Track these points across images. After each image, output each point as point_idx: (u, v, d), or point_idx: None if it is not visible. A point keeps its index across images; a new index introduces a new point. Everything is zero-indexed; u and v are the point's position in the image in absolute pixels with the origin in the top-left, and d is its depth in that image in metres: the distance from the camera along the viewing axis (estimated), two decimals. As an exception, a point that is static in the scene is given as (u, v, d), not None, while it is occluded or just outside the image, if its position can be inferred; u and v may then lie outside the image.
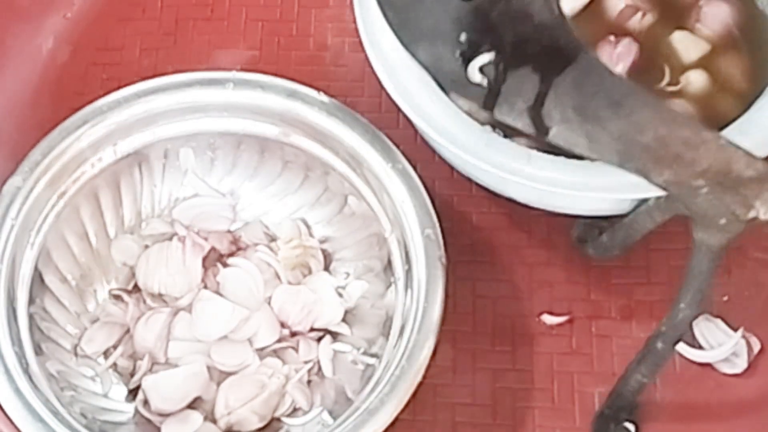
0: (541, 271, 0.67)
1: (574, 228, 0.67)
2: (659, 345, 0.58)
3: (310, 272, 0.66)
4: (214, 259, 0.66)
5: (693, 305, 0.56)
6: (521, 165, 0.57)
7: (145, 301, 0.64)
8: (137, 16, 0.76)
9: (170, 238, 0.66)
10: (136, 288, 0.65)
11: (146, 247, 0.66)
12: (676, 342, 0.58)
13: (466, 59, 0.58)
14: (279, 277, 0.65)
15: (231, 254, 0.66)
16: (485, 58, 0.58)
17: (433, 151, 0.63)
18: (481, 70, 0.58)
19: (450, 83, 0.59)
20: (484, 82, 0.58)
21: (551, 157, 0.57)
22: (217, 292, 0.64)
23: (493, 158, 0.57)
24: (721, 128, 0.57)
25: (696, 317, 0.58)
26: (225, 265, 0.65)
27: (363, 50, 0.60)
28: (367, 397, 0.56)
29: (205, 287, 0.64)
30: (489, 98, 0.57)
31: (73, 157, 0.63)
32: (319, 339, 0.64)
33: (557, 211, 0.63)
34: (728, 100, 0.63)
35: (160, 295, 0.65)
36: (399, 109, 0.59)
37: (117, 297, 0.65)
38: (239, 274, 0.64)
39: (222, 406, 0.61)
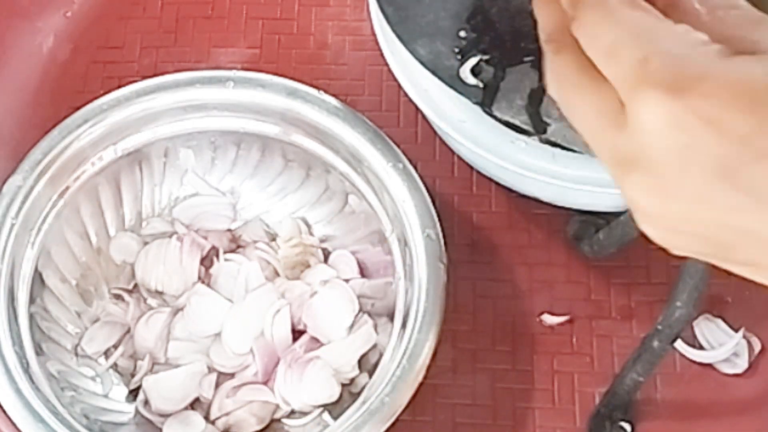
0: (541, 271, 0.67)
1: (569, 225, 0.66)
2: (655, 344, 0.58)
3: (310, 270, 0.66)
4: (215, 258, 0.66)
5: (689, 304, 0.56)
6: (546, 163, 0.57)
7: (145, 300, 0.64)
8: (138, 14, 0.76)
9: (170, 237, 0.66)
10: (137, 287, 0.65)
11: (146, 244, 0.66)
12: (673, 341, 0.58)
13: (466, 55, 0.58)
14: (279, 276, 0.65)
15: (231, 252, 0.66)
16: (474, 60, 0.58)
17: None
18: (473, 71, 0.58)
19: (449, 79, 0.59)
20: (479, 83, 0.57)
21: (575, 154, 0.56)
22: (213, 288, 0.64)
23: (517, 157, 0.57)
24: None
25: (694, 317, 0.58)
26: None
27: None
28: (368, 397, 0.56)
29: (203, 286, 0.64)
30: (487, 95, 0.57)
31: (74, 155, 0.63)
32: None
33: (582, 209, 0.63)
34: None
35: (158, 292, 0.64)
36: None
37: (118, 296, 0.65)
38: (233, 268, 0.64)
39: (218, 407, 0.61)
